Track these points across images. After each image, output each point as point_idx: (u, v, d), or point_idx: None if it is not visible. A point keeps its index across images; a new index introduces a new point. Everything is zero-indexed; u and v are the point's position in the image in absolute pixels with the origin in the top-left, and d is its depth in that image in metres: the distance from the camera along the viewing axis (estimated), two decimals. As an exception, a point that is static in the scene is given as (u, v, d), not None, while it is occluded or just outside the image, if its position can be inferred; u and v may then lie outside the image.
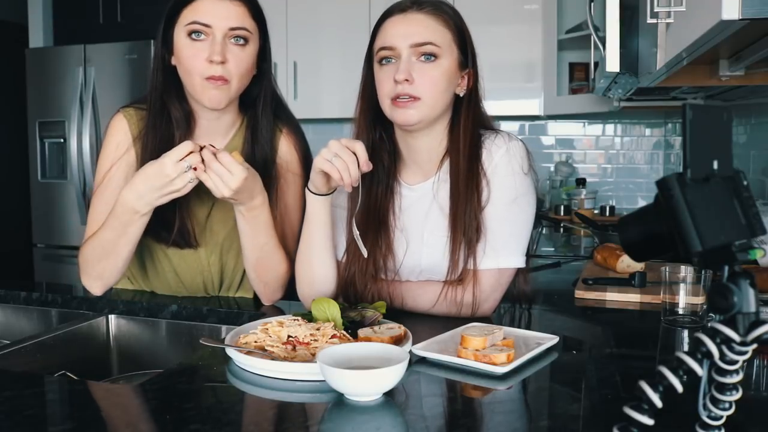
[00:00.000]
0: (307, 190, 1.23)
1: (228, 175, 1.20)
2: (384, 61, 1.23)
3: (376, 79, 1.26)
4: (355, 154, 1.14)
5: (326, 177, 1.18)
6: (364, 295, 1.27)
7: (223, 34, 1.30)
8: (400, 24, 1.22)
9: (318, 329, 1.04)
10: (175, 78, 1.37)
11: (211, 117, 1.39)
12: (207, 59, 1.29)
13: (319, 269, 1.28)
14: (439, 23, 1.22)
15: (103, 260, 1.35)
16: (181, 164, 1.20)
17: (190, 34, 1.30)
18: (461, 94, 1.26)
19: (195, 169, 1.20)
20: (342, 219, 1.34)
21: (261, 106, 1.42)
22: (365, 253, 1.23)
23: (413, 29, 1.21)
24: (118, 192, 1.29)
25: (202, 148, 1.21)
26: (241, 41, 1.32)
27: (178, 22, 1.32)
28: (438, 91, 1.21)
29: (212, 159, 1.20)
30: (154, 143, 1.37)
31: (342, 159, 1.13)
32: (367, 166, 1.15)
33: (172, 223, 1.38)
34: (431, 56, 1.21)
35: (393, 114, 1.23)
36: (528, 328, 1.16)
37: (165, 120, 1.38)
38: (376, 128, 1.30)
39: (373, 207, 1.30)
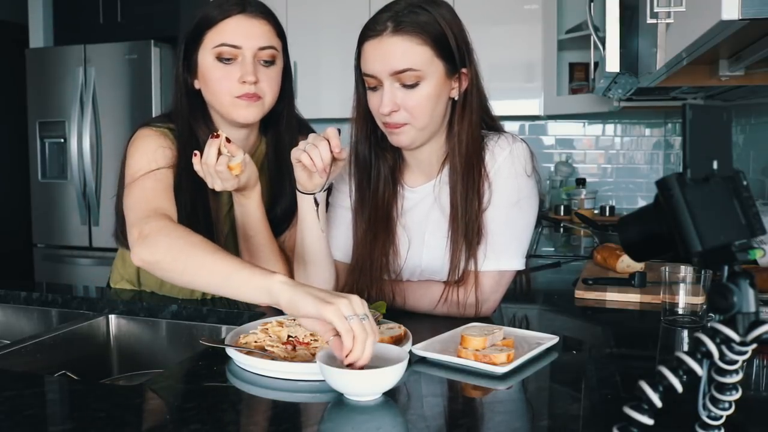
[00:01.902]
0: (296, 190, 1.23)
1: (218, 180, 1.21)
2: (371, 87, 1.22)
3: (368, 99, 1.24)
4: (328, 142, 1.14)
5: (306, 170, 1.18)
6: (369, 295, 1.26)
7: (253, 54, 1.28)
8: (376, 50, 1.18)
9: (318, 329, 1.04)
10: (200, 101, 1.36)
11: (239, 138, 1.36)
12: (239, 80, 1.27)
13: (312, 268, 1.28)
14: (416, 42, 1.15)
15: (179, 262, 1.07)
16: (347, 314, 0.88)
17: (218, 57, 1.28)
18: (456, 98, 1.24)
19: (196, 154, 1.20)
20: (343, 219, 1.34)
21: (285, 124, 1.42)
22: (324, 227, 1.25)
23: (390, 57, 1.16)
24: (167, 178, 1.26)
25: (217, 136, 1.19)
26: (270, 62, 1.31)
27: (203, 45, 1.30)
28: (426, 112, 1.19)
29: (212, 166, 1.18)
30: (184, 168, 1.32)
31: (313, 145, 1.14)
32: (338, 149, 1.15)
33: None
34: (413, 84, 1.17)
35: (387, 136, 1.24)
36: (528, 328, 1.16)
37: (193, 145, 1.33)
38: (377, 131, 1.30)
39: (378, 209, 1.30)
